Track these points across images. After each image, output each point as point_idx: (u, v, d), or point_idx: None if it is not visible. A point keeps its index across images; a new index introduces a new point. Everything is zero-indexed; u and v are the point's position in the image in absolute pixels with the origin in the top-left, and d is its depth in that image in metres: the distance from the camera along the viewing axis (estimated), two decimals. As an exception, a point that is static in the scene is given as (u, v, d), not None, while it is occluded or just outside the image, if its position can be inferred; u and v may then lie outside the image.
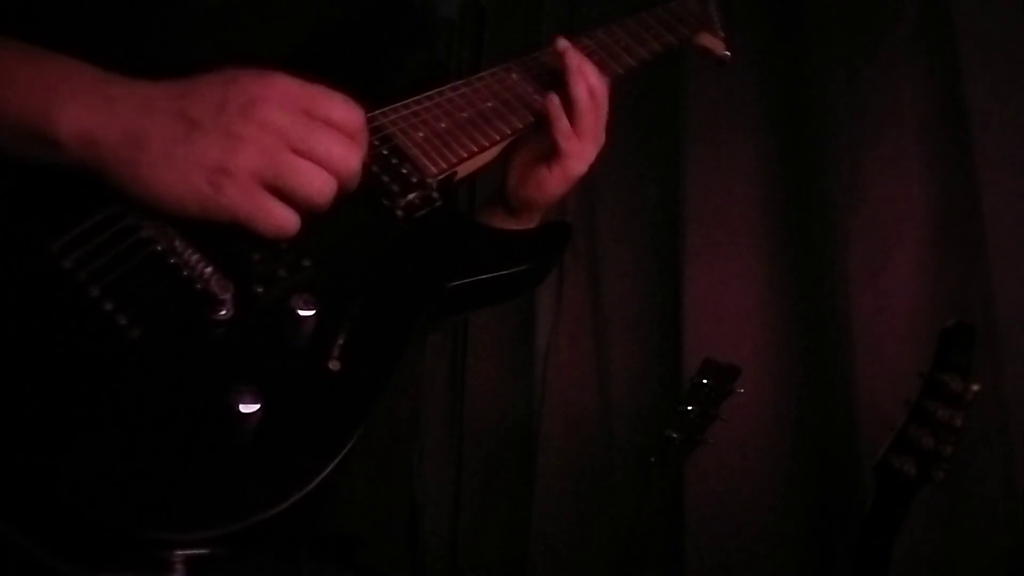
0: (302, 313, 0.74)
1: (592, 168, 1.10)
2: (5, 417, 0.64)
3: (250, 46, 0.86)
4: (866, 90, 2.32)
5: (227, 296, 0.73)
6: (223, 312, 0.73)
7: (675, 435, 2.02)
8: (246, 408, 0.66)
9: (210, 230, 0.75)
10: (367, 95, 0.92)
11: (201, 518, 0.65)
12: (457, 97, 1.01)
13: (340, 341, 0.76)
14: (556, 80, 1.06)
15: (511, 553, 2.76)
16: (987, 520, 2.02)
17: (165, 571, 0.64)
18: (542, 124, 1.06)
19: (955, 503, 2.02)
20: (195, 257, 0.75)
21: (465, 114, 1.00)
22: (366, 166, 0.83)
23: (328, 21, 1.00)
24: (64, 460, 0.64)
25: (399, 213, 0.90)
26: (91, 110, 0.73)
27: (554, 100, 1.05)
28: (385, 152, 0.92)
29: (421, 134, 0.95)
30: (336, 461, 0.70)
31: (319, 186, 0.77)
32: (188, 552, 0.64)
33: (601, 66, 1.09)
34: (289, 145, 0.76)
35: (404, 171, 0.92)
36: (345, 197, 0.80)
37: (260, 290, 0.76)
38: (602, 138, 1.09)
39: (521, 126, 1.04)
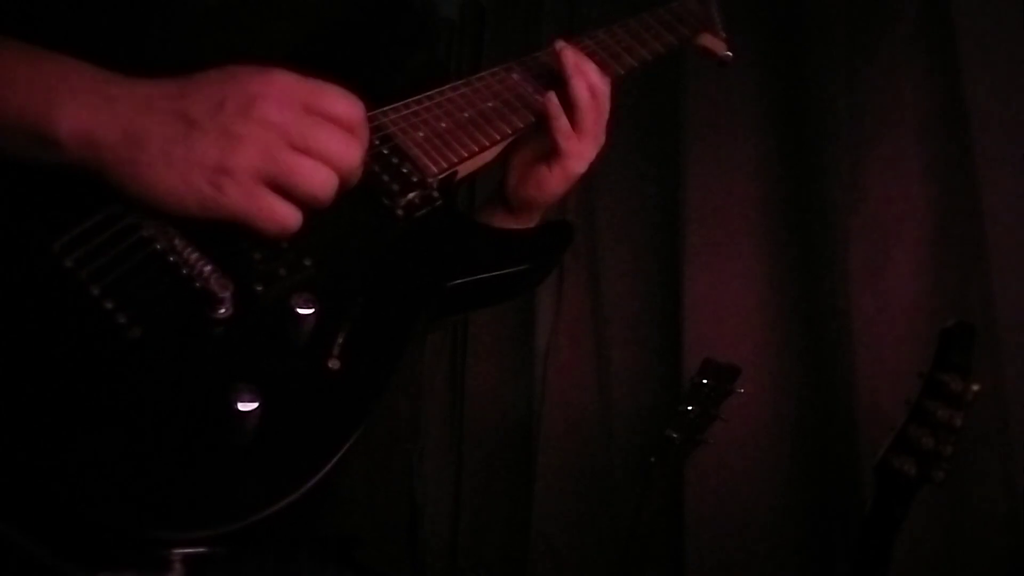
0: (302, 312, 0.74)
1: (592, 168, 1.10)
2: (5, 416, 0.64)
3: (250, 46, 0.86)
4: (866, 90, 2.32)
5: (227, 295, 0.73)
6: (223, 311, 0.73)
7: (675, 435, 2.02)
8: (245, 407, 0.66)
9: (210, 229, 0.75)
10: (367, 95, 0.92)
11: (200, 517, 0.65)
12: (457, 97, 1.02)
13: (340, 340, 0.76)
14: (557, 80, 1.06)
15: (511, 553, 2.76)
16: (987, 520, 2.02)
17: (164, 570, 0.64)
18: (542, 123, 1.06)
19: (955, 503, 2.02)
20: (195, 256, 0.75)
21: (466, 114, 1.00)
22: (366, 165, 0.83)
23: (328, 21, 1.00)
24: (63, 459, 0.64)
25: (399, 212, 0.90)
26: (90, 110, 0.73)
27: (553, 99, 1.05)
28: (385, 151, 0.92)
29: (421, 133, 0.95)
30: (335, 460, 0.70)
31: (321, 182, 0.77)
32: (187, 551, 0.64)
33: (602, 66, 1.09)
34: (289, 142, 0.76)
35: (404, 170, 0.92)
36: (346, 194, 0.80)
37: (260, 289, 0.76)
38: (602, 138, 1.09)
39: (522, 126, 1.04)
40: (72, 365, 0.68)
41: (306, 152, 0.76)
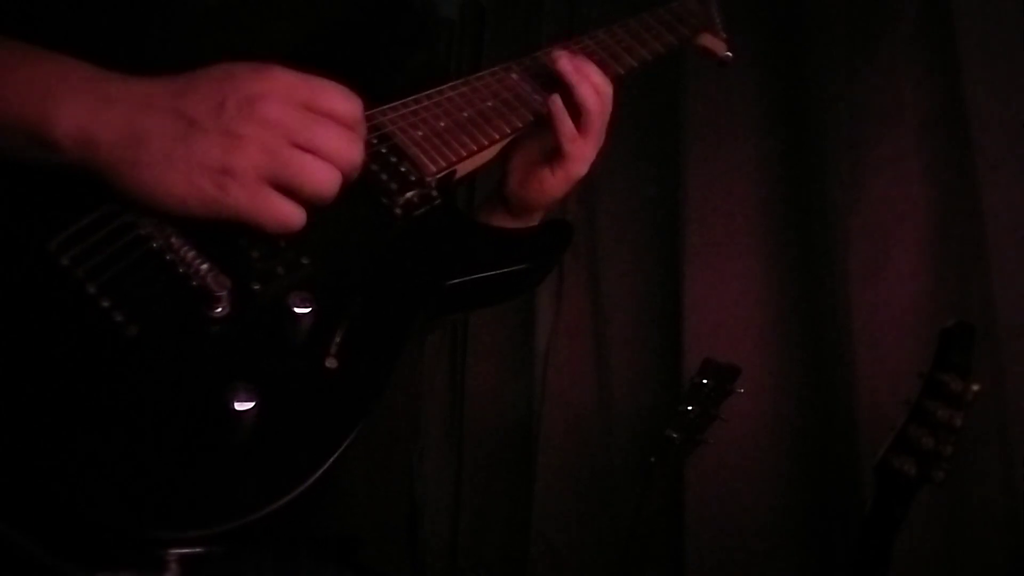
0: (299, 311, 0.74)
1: (592, 168, 1.10)
2: (2, 415, 0.64)
3: (250, 46, 0.86)
4: (866, 90, 2.32)
5: (224, 293, 0.73)
6: (220, 309, 0.73)
7: (675, 435, 2.02)
8: (243, 406, 0.66)
9: (208, 227, 0.75)
10: (367, 95, 0.92)
11: (198, 517, 0.65)
12: (457, 96, 1.01)
13: (338, 339, 0.76)
14: (557, 80, 1.06)
15: (511, 553, 2.76)
16: (987, 520, 2.01)
17: (163, 570, 0.64)
18: (545, 126, 1.06)
19: (955, 503, 2.02)
20: (192, 254, 0.75)
21: (465, 113, 1.00)
22: (365, 164, 0.83)
23: (328, 21, 1.00)
24: (61, 458, 0.64)
25: (398, 211, 0.90)
26: (88, 110, 0.73)
27: (557, 102, 1.04)
28: (384, 151, 0.92)
29: (420, 133, 0.95)
30: (333, 460, 0.70)
31: (324, 180, 0.77)
32: (185, 551, 0.64)
33: (602, 66, 1.09)
34: (291, 140, 0.76)
35: (403, 169, 0.92)
36: (345, 193, 0.80)
37: (258, 287, 0.76)
38: (603, 139, 1.09)
39: (521, 125, 1.04)
40: (69, 363, 0.68)
41: (308, 150, 0.77)
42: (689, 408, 2.04)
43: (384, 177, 0.90)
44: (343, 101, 0.80)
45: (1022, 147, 2.11)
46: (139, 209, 0.75)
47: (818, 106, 2.41)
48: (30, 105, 0.73)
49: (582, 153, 1.06)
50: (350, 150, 0.79)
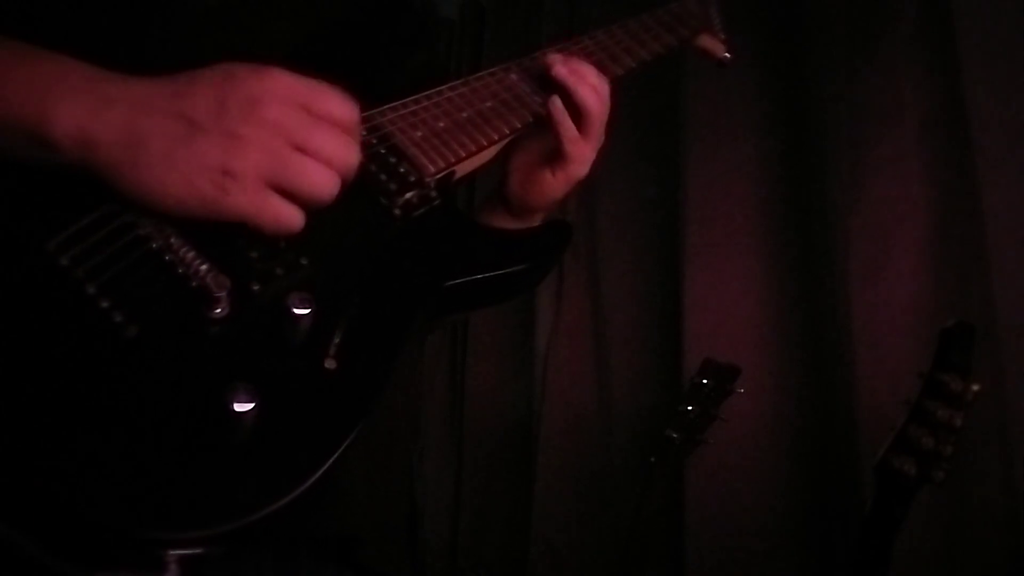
0: (299, 311, 0.74)
1: (592, 169, 1.10)
2: (2, 416, 0.64)
3: (250, 46, 0.86)
4: (866, 90, 2.32)
5: (223, 294, 0.73)
6: (219, 310, 0.73)
7: (675, 435, 2.02)
8: (242, 407, 0.66)
9: (207, 227, 0.75)
10: (367, 95, 0.92)
11: (198, 517, 0.65)
12: (456, 97, 1.01)
13: (337, 340, 0.76)
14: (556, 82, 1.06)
15: (511, 553, 2.76)
16: (987, 520, 2.01)
17: (162, 571, 0.64)
18: (545, 127, 1.06)
19: (955, 503, 2.02)
20: (191, 255, 0.75)
21: (464, 114, 1.00)
22: (363, 164, 0.83)
23: (328, 21, 1.00)
24: (61, 459, 0.64)
25: (397, 212, 0.90)
26: (87, 110, 0.73)
27: (558, 104, 1.04)
28: (383, 151, 0.92)
29: (419, 133, 0.95)
30: (332, 460, 0.70)
31: (324, 182, 0.77)
32: (185, 551, 0.64)
33: (600, 67, 1.09)
34: (291, 143, 0.76)
35: (402, 170, 0.92)
36: (344, 194, 0.80)
37: (257, 288, 0.76)
38: (603, 138, 1.09)
39: (520, 126, 1.04)
40: (69, 364, 0.68)
41: (307, 152, 0.77)
42: (689, 408, 2.04)
43: (383, 177, 0.90)
44: (340, 105, 0.80)
45: (1022, 147, 2.11)
46: (139, 209, 0.75)
47: (818, 106, 2.41)
48: (29, 105, 0.73)
49: (583, 154, 1.06)
50: (347, 153, 0.79)
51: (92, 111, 0.73)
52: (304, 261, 0.79)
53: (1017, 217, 2.09)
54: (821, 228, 2.37)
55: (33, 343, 0.68)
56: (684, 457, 2.09)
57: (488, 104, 1.03)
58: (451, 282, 0.91)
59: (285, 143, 0.76)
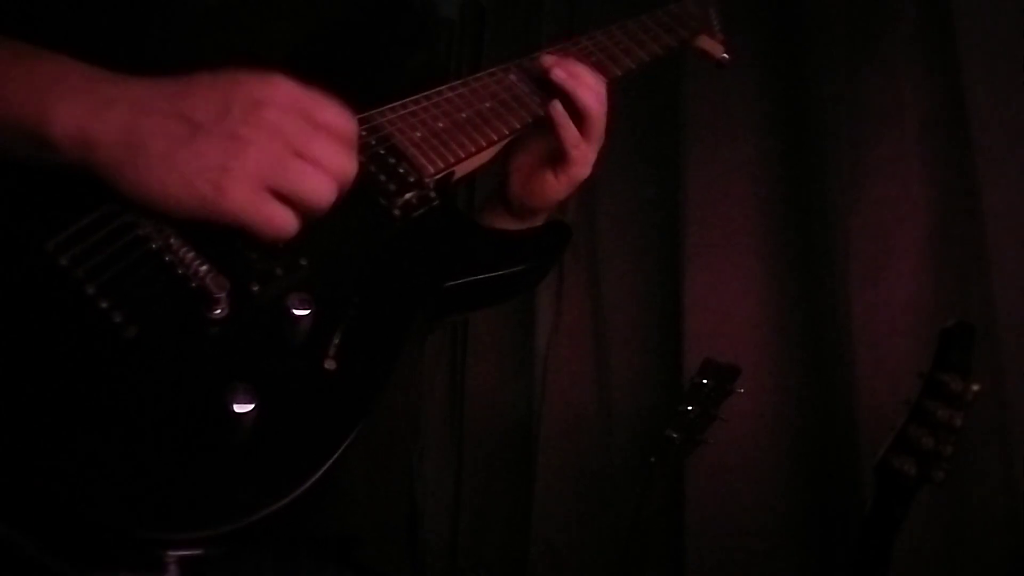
0: (298, 312, 0.74)
1: (592, 169, 1.10)
2: (2, 416, 0.64)
3: (250, 46, 0.86)
4: (866, 90, 2.32)
5: (222, 295, 0.73)
6: (219, 311, 0.73)
7: (675, 435, 2.02)
8: (242, 407, 0.67)
9: (207, 228, 0.75)
10: (367, 95, 0.92)
11: (198, 518, 0.65)
12: (455, 97, 1.01)
13: (336, 340, 0.76)
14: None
15: (511, 553, 2.76)
16: (987, 520, 2.01)
17: (162, 571, 0.64)
18: (546, 129, 1.05)
19: (955, 503, 2.02)
20: (190, 255, 0.75)
21: (463, 114, 1.00)
22: (362, 165, 0.84)
23: (328, 21, 1.00)
24: (61, 459, 0.64)
25: (396, 212, 0.90)
26: (87, 110, 0.73)
27: (558, 108, 1.04)
28: (382, 152, 0.92)
29: (419, 134, 0.95)
30: (332, 461, 0.70)
31: (322, 190, 0.77)
32: (183, 552, 0.64)
33: (599, 68, 1.09)
34: (291, 148, 0.76)
35: (401, 170, 0.92)
36: (344, 195, 0.80)
37: (256, 289, 0.76)
38: (603, 138, 1.09)
39: (519, 127, 1.04)
40: (68, 364, 0.68)
41: (306, 158, 0.77)
42: (689, 408, 2.04)
43: (382, 178, 0.90)
44: (340, 117, 0.81)
45: (1022, 147, 2.11)
46: (138, 209, 0.75)
47: (818, 106, 2.41)
48: (29, 105, 0.73)
49: (585, 156, 1.07)
50: (345, 163, 0.80)
51: (92, 111, 0.73)
52: (304, 262, 0.80)
53: (1017, 217, 2.09)
54: (821, 228, 2.37)
55: (33, 343, 0.68)
56: (684, 457, 2.09)
57: (487, 105, 1.03)
58: (451, 283, 0.91)
59: (285, 147, 0.76)
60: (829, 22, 2.40)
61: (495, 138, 1.01)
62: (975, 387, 1.51)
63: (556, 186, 1.08)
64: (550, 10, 3.04)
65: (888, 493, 1.51)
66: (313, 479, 0.69)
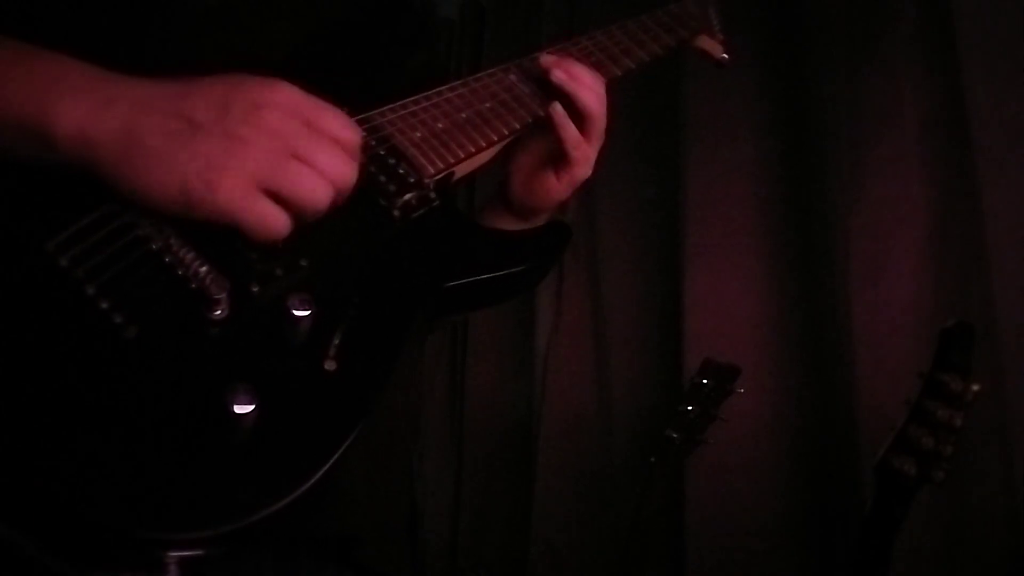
0: (298, 313, 0.74)
1: (593, 169, 1.10)
2: (2, 416, 0.64)
3: (250, 46, 0.86)
4: (866, 90, 2.32)
5: (223, 295, 0.73)
6: (219, 311, 0.73)
7: (675, 435, 2.02)
8: (242, 408, 0.67)
9: (207, 229, 0.75)
10: (367, 95, 0.92)
11: (198, 518, 0.65)
12: (455, 97, 1.01)
13: (337, 341, 0.76)
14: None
15: (511, 553, 2.76)
16: (987, 520, 2.01)
17: (162, 571, 0.64)
18: (547, 130, 1.05)
19: (955, 503, 2.02)
20: (190, 256, 0.75)
21: (463, 115, 1.00)
22: (362, 166, 0.84)
23: (328, 21, 1.00)
24: (61, 459, 0.64)
25: (396, 213, 0.90)
26: (88, 109, 0.73)
27: (558, 109, 1.04)
28: (382, 152, 0.92)
29: (419, 134, 0.95)
30: (332, 461, 0.70)
31: (317, 191, 0.77)
32: (184, 552, 0.64)
33: (599, 67, 1.09)
34: (288, 150, 0.76)
35: (401, 171, 0.92)
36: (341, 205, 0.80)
37: (256, 289, 0.76)
38: (603, 138, 1.09)
39: (519, 127, 1.04)
40: (68, 364, 0.68)
41: (304, 162, 0.76)
42: (689, 408, 2.04)
43: (382, 179, 0.90)
44: (343, 126, 0.81)
45: (1022, 147, 2.11)
46: (139, 210, 0.75)
47: (818, 106, 2.41)
48: (30, 104, 0.73)
49: (586, 156, 1.07)
50: (344, 169, 0.79)
51: (93, 110, 0.73)
52: (304, 262, 0.80)
53: (1017, 217, 2.09)
54: (821, 228, 2.37)
55: (33, 343, 0.68)
56: (684, 457, 2.09)
57: (487, 105, 1.03)
58: (450, 283, 0.91)
59: (282, 149, 0.75)
60: (829, 22, 2.40)
61: (495, 138, 1.01)
62: (975, 387, 1.51)
63: (557, 186, 1.08)
64: (550, 10, 3.04)
65: (888, 493, 1.51)
66: (313, 479, 0.69)
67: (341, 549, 0.89)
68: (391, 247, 0.89)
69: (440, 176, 0.95)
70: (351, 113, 0.87)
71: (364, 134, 0.86)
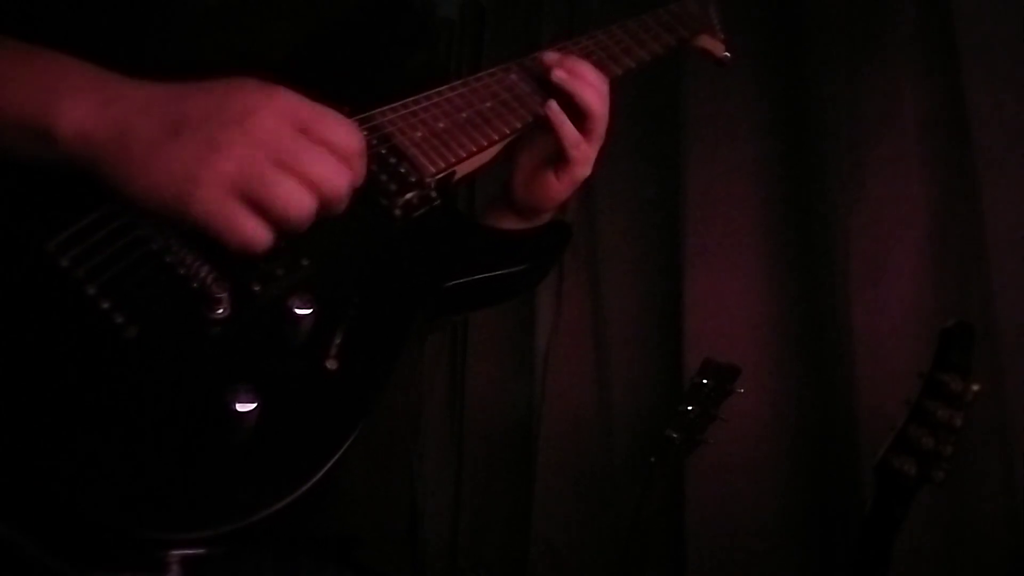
0: (299, 312, 0.74)
1: (593, 169, 1.10)
2: (3, 416, 0.64)
3: (250, 46, 0.86)
4: (866, 90, 2.32)
5: (224, 295, 0.73)
6: (220, 311, 0.73)
7: (675, 435, 2.02)
8: (243, 407, 0.66)
9: None
10: (367, 95, 0.92)
11: (199, 517, 0.65)
12: (456, 97, 1.01)
13: (337, 340, 0.76)
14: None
15: (511, 553, 2.77)
16: (987, 520, 2.01)
17: (163, 571, 0.64)
18: (547, 128, 1.05)
19: (955, 503, 2.02)
20: (191, 256, 0.75)
21: (464, 114, 1.00)
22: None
23: (328, 21, 1.00)
24: (62, 459, 0.64)
25: (397, 212, 0.90)
26: (89, 108, 0.73)
27: (554, 108, 1.04)
28: (383, 151, 0.92)
29: (419, 134, 0.95)
30: (333, 461, 0.70)
31: (297, 204, 0.74)
32: (184, 552, 0.64)
33: (600, 67, 1.08)
34: (275, 159, 0.73)
35: (402, 170, 0.92)
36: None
37: (258, 289, 0.76)
38: (604, 138, 1.09)
39: (520, 127, 1.04)
40: (69, 364, 0.68)
41: (290, 172, 0.74)
42: (689, 408, 2.04)
43: (383, 178, 0.90)
44: (344, 134, 0.78)
45: (1022, 147, 2.11)
46: (138, 210, 0.75)
47: (818, 106, 2.41)
48: (32, 105, 0.73)
49: (586, 155, 1.06)
50: (334, 180, 0.76)
51: (93, 110, 0.73)
52: (305, 262, 0.79)
53: (1017, 217, 2.09)
54: (821, 228, 2.37)
55: (33, 344, 0.68)
56: (684, 457, 2.09)
57: (488, 104, 1.03)
58: (451, 282, 0.91)
59: (266, 157, 0.73)
60: (829, 22, 2.40)
61: (496, 138, 1.01)
62: (975, 387, 1.51)
63: (558, 186, 1.08)
64: (550, 10, 3.04)
65: (888, 493, 1.51)
66: (314, 479, 0.69)
67: (341, 549, 0.89)
68: (392, 246, 0.89)
69: (441, 175, 0.95)
70: (352, 113, 0.87)
71: (364, 133, 0.86)
